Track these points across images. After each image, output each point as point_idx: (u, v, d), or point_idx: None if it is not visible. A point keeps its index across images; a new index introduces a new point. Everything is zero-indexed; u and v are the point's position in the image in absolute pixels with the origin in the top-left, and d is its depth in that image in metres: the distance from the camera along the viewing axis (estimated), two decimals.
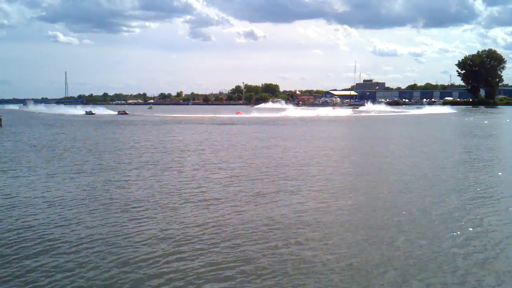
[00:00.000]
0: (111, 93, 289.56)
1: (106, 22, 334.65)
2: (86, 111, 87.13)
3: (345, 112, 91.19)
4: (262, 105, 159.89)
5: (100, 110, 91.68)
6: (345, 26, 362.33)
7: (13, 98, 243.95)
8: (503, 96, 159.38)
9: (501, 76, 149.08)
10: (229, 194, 13.43)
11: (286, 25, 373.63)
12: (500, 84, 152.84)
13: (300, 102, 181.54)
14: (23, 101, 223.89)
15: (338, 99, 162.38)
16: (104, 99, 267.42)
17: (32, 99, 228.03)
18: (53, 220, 10.93)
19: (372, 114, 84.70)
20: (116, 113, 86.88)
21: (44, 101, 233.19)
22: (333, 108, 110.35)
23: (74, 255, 8.62)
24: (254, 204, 12.30)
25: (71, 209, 11.84)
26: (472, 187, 14.64)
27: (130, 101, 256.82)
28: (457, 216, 11.13)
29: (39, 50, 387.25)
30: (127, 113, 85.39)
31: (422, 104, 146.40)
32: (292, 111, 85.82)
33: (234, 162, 20.25)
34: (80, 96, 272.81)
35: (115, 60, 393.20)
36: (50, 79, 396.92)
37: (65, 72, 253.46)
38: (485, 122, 56.44)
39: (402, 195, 13.36)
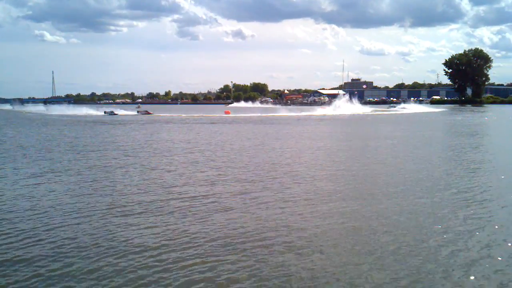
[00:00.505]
0: (98, 93, 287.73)
1: (93, 21, 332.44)
2: (105, 112, 78.09)
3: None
4: (235, 105, 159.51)
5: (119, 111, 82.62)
6: (333, 26, 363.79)
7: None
8: (490, 95, 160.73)
9: (488, 75, 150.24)
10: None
11: (274, 25, 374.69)
12: (486, 83, 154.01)
13: (289, 102, 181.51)
14: (9, 101, 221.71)
15: (327, 98, 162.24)
16: (92, 99, 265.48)
17: (19, 98, 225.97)
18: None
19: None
20: (135, 112, 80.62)
21: (31, 100, 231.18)
22: (322, 107, 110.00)
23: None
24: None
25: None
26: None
27: (118, 100, 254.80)
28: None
29: (25, 49, 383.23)
30: (150, 113, 77.94)
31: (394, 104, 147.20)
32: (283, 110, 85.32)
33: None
34: (67, 96, 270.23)
35: (102, 60, 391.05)
36: (37, 78, 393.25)
37: (52, 72, 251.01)
38: (458, 118, 57.94)
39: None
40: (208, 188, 13.94)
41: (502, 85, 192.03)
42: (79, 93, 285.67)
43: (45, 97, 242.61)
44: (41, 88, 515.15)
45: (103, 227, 9.98)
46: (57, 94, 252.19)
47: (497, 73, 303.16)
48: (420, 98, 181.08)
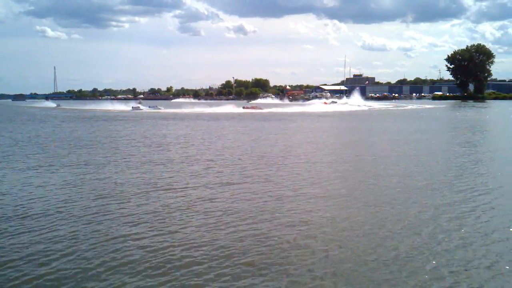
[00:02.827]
0: (100, 89, 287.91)
1: (95, 17, 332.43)
2: (133, 107, 76.60)
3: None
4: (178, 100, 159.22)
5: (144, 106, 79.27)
6: (335, 21, 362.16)
7: (1, 94, 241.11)
8: (492, 90, 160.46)
9: (490, 70, 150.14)
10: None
11: (276, 20, 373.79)
12: (488, 78, 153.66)
13: (291, 97, 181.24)
14: (11, 97, 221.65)
15: (329, 93, 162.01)
16: (94, 94, 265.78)
17: (21, 94, 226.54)
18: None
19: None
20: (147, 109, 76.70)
21: (33, 96, 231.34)
22: (325, 103, 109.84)
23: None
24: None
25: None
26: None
27: (119, 96, 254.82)
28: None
29: (27, 45, 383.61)
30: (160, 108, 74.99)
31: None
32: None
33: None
34: (69, 92, 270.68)
35: (104, 55, 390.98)
36: (39, 74, 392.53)
37: (54, 67, 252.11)
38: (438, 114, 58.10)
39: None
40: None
41: (504, 80, 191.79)
42: (81, 89, 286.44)
43: (47, 93, 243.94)
44: (43, 84, 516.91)
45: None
46: (59, 90, 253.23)
47: (499, 69, 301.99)
48: (423, 94, 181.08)
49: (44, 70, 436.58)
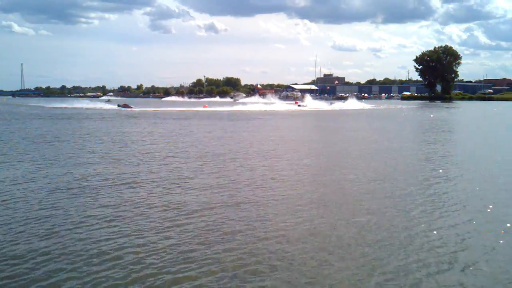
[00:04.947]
0: (69, 86, 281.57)
1: (64, 13, 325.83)
2: (118, 105, 72.49)
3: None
4: (169, 98, 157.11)
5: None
6: (305, 21, 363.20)
7: None
8: (459, 91, 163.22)
9: (457, 71, 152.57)
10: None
11: (247, 19, 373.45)
12: (455, 79, 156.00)
13: (262, 96, 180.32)
14: None
15: (299, 93, 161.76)
16: (62, 92, 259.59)
17: None
18: None
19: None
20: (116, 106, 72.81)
21: None
22: (296, 102, 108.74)
23: None
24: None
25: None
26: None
27: (89, 94, 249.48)
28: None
29: None
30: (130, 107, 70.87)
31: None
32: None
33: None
34: (36, 89, 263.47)
35: (73, 52, 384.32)
36: (5, 71, 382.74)
37: (21, 64, 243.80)
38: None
39: None
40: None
41: (470, 81, 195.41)
42: (49, 86, 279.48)
43: (13, 90, 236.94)
44: (9, 81, 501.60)
45: None
46: (26, 86, 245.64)
47: (465, 70, 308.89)
48: (392, 94, 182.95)
49: (10, 67, 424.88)
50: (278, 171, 15.68)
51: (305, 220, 9.76)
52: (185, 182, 13.52)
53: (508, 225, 9.60)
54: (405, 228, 9.28)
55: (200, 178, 14.16)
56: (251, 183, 13.46)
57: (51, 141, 24.74)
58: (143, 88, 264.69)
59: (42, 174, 14.53)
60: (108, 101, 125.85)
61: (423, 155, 20.17)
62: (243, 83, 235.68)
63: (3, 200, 11.20)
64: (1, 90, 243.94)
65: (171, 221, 9.54)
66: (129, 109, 69.33)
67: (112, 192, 12.19)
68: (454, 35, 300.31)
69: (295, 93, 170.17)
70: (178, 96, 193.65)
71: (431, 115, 57.84)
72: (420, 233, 8.95)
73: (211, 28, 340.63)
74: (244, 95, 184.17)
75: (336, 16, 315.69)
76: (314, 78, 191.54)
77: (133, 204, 10.96)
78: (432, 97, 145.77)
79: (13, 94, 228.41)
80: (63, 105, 76.94)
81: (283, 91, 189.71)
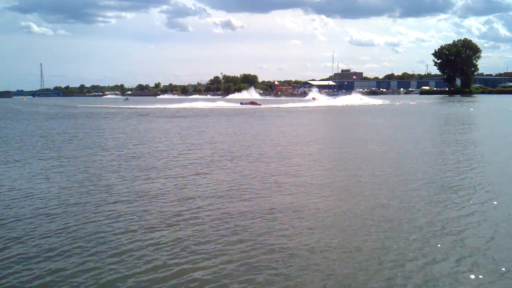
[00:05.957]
0: (88, 85, 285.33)
1: (81, 12, 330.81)
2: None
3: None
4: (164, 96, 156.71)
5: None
6: (322, 16, 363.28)
7: None
8: (479, 85, 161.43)
9: (477, 65, 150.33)
10: None
11: (263, 15, 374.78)
12: (475, 73, 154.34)
13: (279, 93, 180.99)
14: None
15: (317, 89, 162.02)
16: (81, 91, 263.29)
17: (7, 91, 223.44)
18: None
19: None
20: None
21: (20, 93, 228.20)
22: (313, 98, 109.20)
23: None
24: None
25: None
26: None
27: (107, 92, 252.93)
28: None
29: (12, 41, 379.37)
30: (258, 104, 73.05)
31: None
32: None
33: None
34: (56, 88, 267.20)
35: (91, 51, 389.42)
36: (25, 71, 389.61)
37: (41, 64, 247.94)
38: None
39: None
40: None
41: (490, 75, 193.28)
42: (68, 85, 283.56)
43: (33, 90, 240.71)
44: (29, 81, 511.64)
45: None
46: (46, 86, 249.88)
47: (485, 63, 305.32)
48: (410, 89, 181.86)
49: (30, 67, 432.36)
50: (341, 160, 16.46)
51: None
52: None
53: None
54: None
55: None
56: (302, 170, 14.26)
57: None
58: (161, 86, 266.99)
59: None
60: (126, 99, 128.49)
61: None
62: (260, 79, 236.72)
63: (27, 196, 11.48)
64: (22, 90, 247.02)
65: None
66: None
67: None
68: (473, 28, 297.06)
69: (312, 89, 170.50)
70: (199, 94, 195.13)
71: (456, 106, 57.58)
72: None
73: (227, 25, 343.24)
74: (261, 91, 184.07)
75: (353, 11, 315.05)
76: (331, 73, 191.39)
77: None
78: (452, 91, 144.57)
79: (33, 94, 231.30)
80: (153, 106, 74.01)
81: (301, 87, 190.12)
